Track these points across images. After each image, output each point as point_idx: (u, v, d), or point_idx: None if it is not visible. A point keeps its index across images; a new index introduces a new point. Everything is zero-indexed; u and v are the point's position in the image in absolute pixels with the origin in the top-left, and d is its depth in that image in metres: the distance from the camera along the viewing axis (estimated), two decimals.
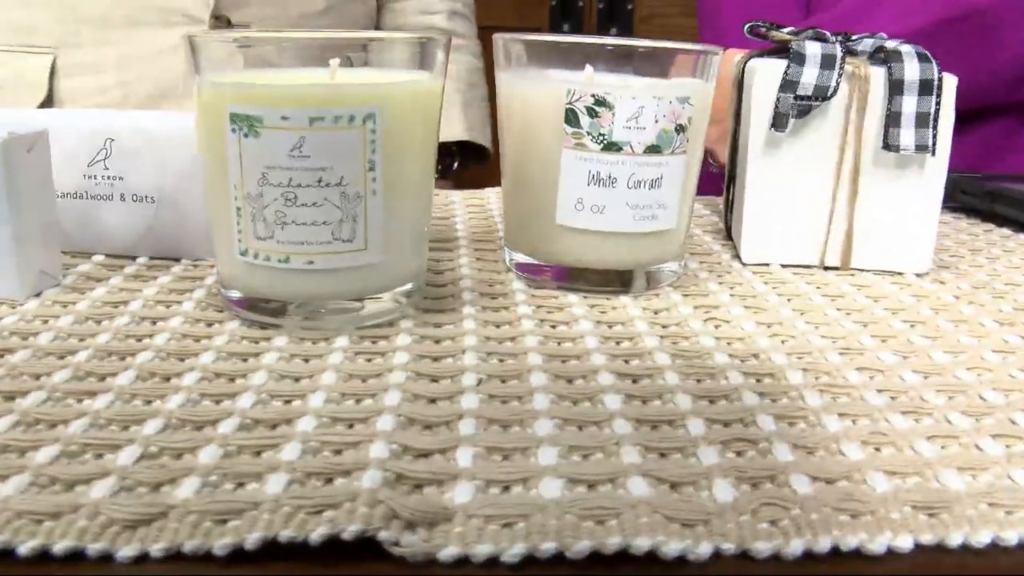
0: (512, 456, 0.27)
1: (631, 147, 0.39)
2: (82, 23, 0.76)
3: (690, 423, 0.30)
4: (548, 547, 0.23)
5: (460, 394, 0.31)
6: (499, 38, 0.41)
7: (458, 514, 0.24)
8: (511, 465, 0.27)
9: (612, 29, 1.78)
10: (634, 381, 0.33)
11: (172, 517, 0.24)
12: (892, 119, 0.44)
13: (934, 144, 0.44)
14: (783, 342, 0.37)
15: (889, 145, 0.44)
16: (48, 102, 0.77)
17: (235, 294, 0.37)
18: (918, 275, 0.47)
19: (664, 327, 0.38)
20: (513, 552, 0.23)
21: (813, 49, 0.44)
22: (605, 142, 0.39)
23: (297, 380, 0.32)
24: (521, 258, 0.43)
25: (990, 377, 0.35)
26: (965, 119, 0.76)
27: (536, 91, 0.40)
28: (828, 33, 0.46)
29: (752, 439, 0.29)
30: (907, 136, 0.44)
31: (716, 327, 0.39)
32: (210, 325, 0.36)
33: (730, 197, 0.51)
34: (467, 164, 0.97)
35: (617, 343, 0.36)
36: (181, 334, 0.35)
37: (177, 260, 0.43)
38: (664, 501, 0.25)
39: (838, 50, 0.44)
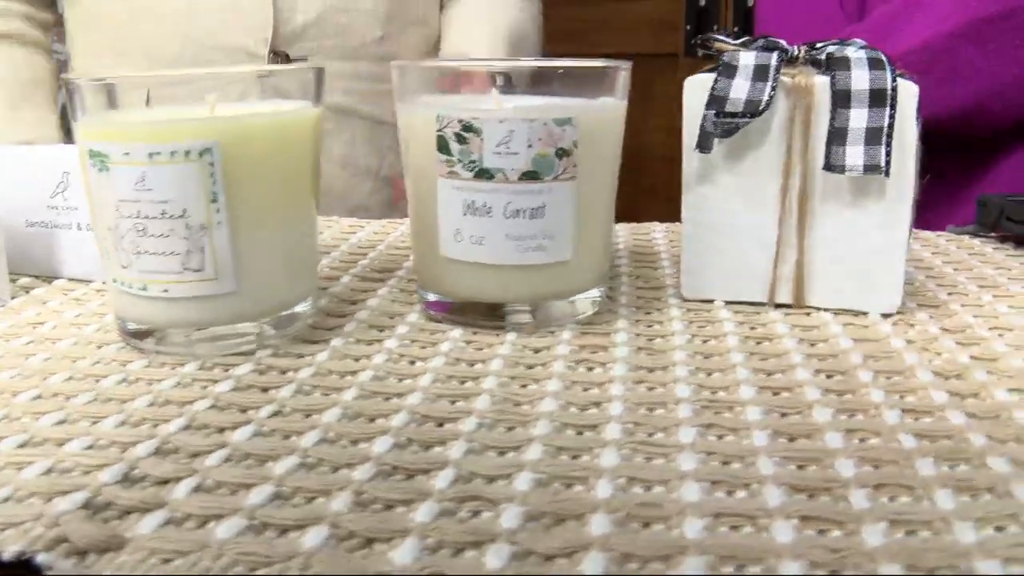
0: (238, 492, 0.27)
1: (504, 174, 0.37)
2: (156, 64, 0.82)
3: (440, 476, 0.27)
4: None
5: (243, 425, 0.31)
6: (394, 66, 0.40)
7: (129, 544, 0.24)
8: (216, 500, 0.26)
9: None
10: (439, 424, 0.31)
11: None
12: (836, 136, 0.38)
13: (887, 163, 0.38)
14: (651, 390, 0.33)
15: (832, 165, 0.38)
16: None
17: (117, 319, 0.39)
18: (885, 315, 0.40)
19: (529, 367, 0.35)
20: None
21: (746, 59, 0.40)
22: (476, 169, 0.37)
23: (123, 402, 0.33)
24: (423, 291, 0.42)
25: (853, 446, 0.29)
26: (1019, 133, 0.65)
27: (414, 119, 0.39)
28: (783, 42, 0.41)
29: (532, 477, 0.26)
30: (854, 155, 0.38)
31: (589, 369, 0.35)
32: (100, 348, 0.39)
33: None
34: None
35: (462, 382, 0.34)
36: (62, 355, 0.38)
37: None
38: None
39: (773, 59, 0.39)
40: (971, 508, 0.26)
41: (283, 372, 0.36)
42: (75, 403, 0.33)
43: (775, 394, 0.33)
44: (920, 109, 0.39)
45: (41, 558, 0.24)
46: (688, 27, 1.74)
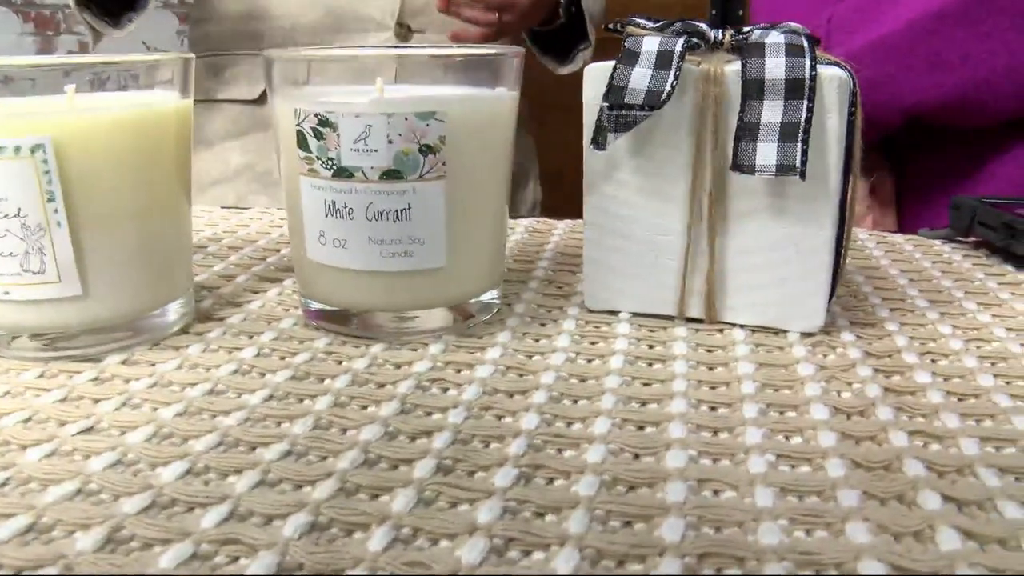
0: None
1: (364, 173, 0.34)
2: (298, 31, 0.90)
3: (213, 511, 0.24)
4: None
5: (45, 442, 0.28)
6: (262, 56, 0.37)
7: None
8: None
9: None
10: (251, 449, 0.28)
11: None
12: (746, 131, 0.33)
13: (804, 163, 0.33)
14: (499, 419, 0.30)
15: (740, 165, 0.34)
16: (264, 94, 0.91)
17: None
18: (807, 335, 0.35)
19: (379, 386, 0.32)
20: None
21: (649, 45, 0.35)
22: (335, 167, 0.34)
23: None
24: (300, 296, 0.39)
25: (695, 502, 0.25)
26: (1017, 129, 0.58)
27: (278, 112, 0.36)
28: (703, 25, 0.36)
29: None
30: (766, 153, 0.33)
31: (444, 391, 0.32)
32: None
33: None
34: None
35: (300, 400, 0.31)
36: None
37: None
38: None
39: (677, 45, 0.34)
40: None
41: (126, 381, 0.33)
42: None
43: (639, 429, 0.29)
44: (854, 101, 0.34)
45: None
46: (714, 12, 1.66)
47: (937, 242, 0.48)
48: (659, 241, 0.37)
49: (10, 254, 0.34)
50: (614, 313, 0.39)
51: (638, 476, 0.26)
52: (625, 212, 0.37)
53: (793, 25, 0.36)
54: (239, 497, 0.25)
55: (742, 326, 0.37)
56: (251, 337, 0.37)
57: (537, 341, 0.36)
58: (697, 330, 0.37)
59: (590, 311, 0.39)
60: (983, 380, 0.32)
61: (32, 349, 0.35)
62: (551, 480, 0.26)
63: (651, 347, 0.35)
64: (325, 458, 0.28)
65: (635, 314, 0.38)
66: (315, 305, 0.38)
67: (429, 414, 0.30)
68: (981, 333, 0.35)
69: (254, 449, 0.28)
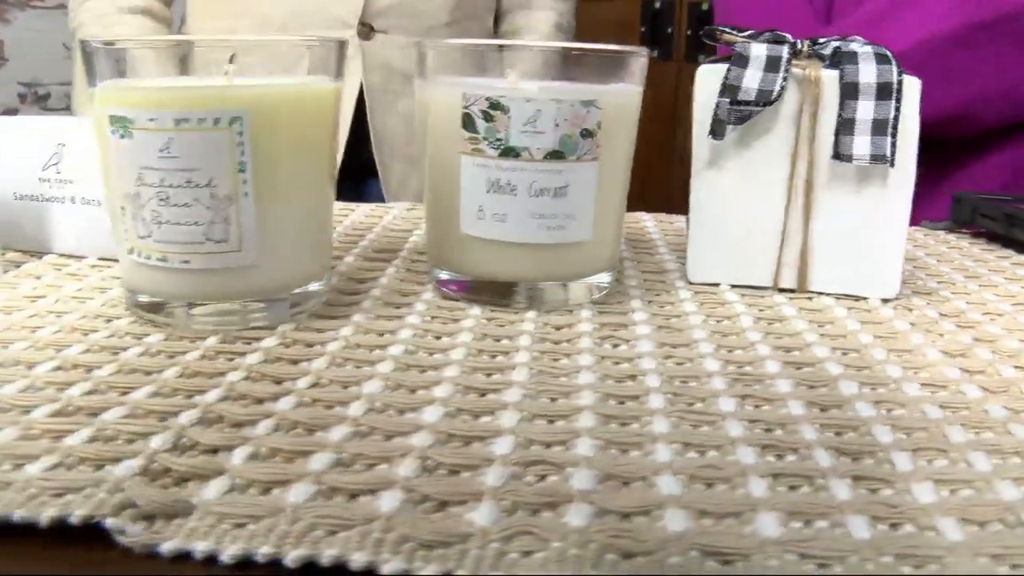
0: (295, 460, 0.26)
1: (530, 153, 0.37)
2: (268, 27, 0.97)
3: (497, 442, 0.28)
4: (266, 551, 0.22)
5: (284, 395, 0.30)
6: (417, 44, 0.40)
7: (197, 510, 0.24)
8: (275, 467, 0.26)
9: (700, 56, 1.74)
10: (482, 395, 0.31)
11: None
12: (844, 126, 0.40)
13: (893, 154, 0.40)
14: (680, 364, 0.34)
15: (840, 155, 0.40)
16: None
17: (127, 292, 0.38)
18: (884, 300, 0.42)
19: (556, 343, 0.36)
20: (231, 552, 0.22)
21: (758, 51, 0.41)
22: (502, 147, 0.37)
23: (147, 374, 0.32)
24: (437, 270, 0.42)
25: (883, 416, 0.31)
26: (1003, 134, 0.69)
27: (437, 96, 0.39)
28: (788, 36, 0.43)
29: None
30: (861, 145, 0.40)
31: (615, 346, 0.36)
32: (109, 321, 0.37)
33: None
34: None
35: (493, 356, 0.35)
36: (72, 328, 0.36)
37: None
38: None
39: (784, 52, 0.41)
40: (1001, 469, 0.27)
41: (309, 346, 0.35)
42: (99, 374, 0.32)
43: (797, 368, 0.34)
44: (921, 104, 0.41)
45: (110, 523, 0.23)
46: (643, 28, 1.78)
47: (941, 232, 0.57)
48: (758, 221, 0.42)
49: (195, 223, 0.35)
50: (714, 285, 0.44)
51: (825, 399, 0.31)
52: (729, 195, 0.42)
53: (858, 37, 0.43)
54: (513, 429, 0.28)
55: (828, 294, 0.43)
56: (398, 308, 0.40)
57: (663, 308, 0.41)
58: (791, 298, 0.43)
59: (690, 283, 0.44)
60: None
61: (208, 316, 0.36)
62: (758, 406, 0.31)
63: (761, 310, 0.41)
64: (556, 399, 0.31)
65: (733, 285, 0.44)
66: (454, 276, 0.40)
67: (618, 363, 0.34)
68: (1018, 298, 0.43)
69: (484, 395, 0.31)
